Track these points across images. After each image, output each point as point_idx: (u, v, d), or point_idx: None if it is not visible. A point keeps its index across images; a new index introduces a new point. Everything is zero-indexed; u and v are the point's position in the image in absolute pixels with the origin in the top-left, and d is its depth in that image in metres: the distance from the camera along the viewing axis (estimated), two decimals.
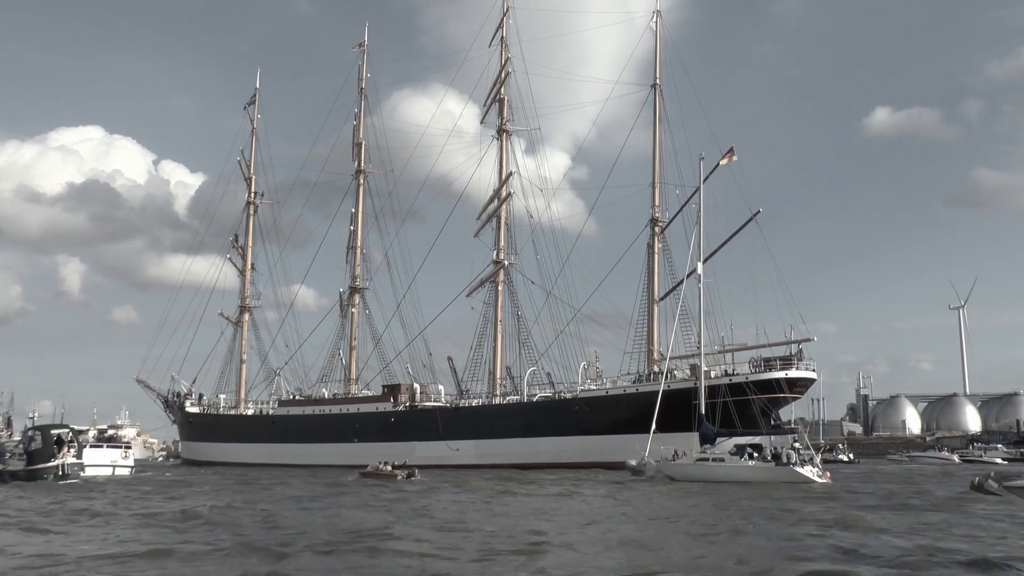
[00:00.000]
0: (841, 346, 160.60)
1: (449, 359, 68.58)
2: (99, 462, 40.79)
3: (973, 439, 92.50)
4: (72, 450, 35.52)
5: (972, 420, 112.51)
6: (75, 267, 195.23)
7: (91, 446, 42.14)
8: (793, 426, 52.07)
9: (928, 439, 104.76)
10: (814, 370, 52.17)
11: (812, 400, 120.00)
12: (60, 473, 34.24)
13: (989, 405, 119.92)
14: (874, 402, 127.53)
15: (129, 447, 46.55)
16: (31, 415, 69.09)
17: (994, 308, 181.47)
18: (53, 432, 36.38)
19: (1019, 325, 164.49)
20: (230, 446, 71.92)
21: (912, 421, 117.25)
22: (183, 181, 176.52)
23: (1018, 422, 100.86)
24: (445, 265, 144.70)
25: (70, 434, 37.10)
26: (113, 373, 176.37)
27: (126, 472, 42.09)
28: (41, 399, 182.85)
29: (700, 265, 48.29)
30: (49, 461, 34.43)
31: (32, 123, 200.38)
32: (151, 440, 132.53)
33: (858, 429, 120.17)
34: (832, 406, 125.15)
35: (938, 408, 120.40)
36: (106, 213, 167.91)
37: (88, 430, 43.16)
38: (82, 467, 36.01)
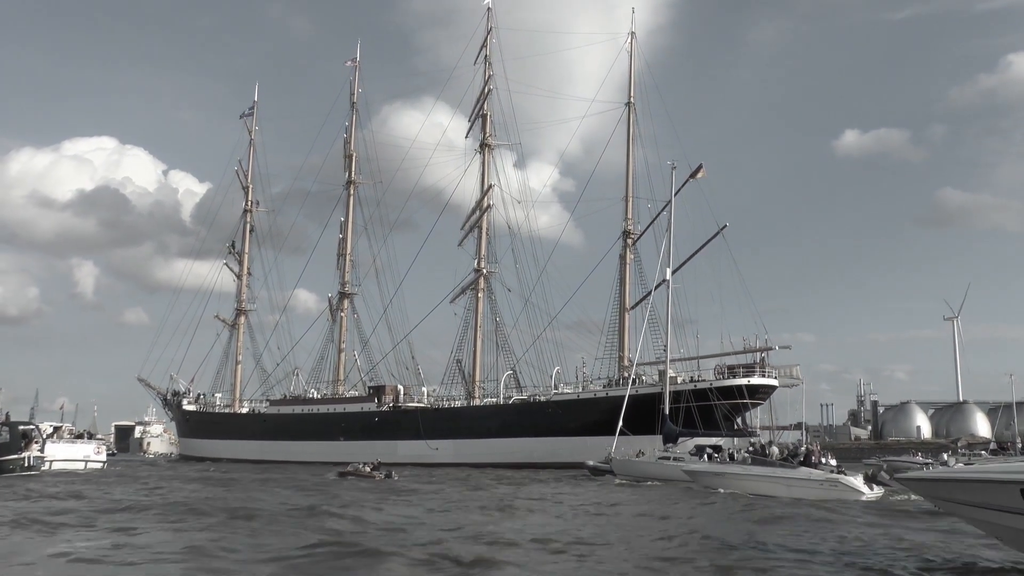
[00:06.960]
0: (820, 356, 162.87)
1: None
2: (72, 456, 43.25)
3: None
4: (37, 445, 37.81)
5: (982, 427, 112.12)
6: (88, 270, 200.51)
7: (65, 441, 44.56)
8: (752, 430, 52.90)
9: (957, 444, 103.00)
10: (775, 378, 53.09)
11: (821, 406, 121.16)
12: (25, 465, 36.55)
13: (996, 412, 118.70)
14: (883, 408, 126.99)
15: (103, 442, 49.03)
16: None
17: (971, 323, 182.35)
18: (20, 428, 38.74)
19: (996, 338, 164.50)
20: (224, 442, 74.42)
21: (925, 427, 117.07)
22: (191, 190, 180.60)
23: None
24: (433, 272, 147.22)
25: (35, 430, 39.39)
26: (124, 372, 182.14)
27: (99, 466, 44.41)
28: (58, 396, 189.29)
29: (669, 271, 49.37)
30: (16, 454, 36.73)
31: (47, 132, 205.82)
32: (174, 436, 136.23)
33: (864, 434, 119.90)
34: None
35: (947, 415, 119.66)
36: (115, 219, 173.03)
37: (62, 426, 45.52)
38: (43, 460, 38.22)
